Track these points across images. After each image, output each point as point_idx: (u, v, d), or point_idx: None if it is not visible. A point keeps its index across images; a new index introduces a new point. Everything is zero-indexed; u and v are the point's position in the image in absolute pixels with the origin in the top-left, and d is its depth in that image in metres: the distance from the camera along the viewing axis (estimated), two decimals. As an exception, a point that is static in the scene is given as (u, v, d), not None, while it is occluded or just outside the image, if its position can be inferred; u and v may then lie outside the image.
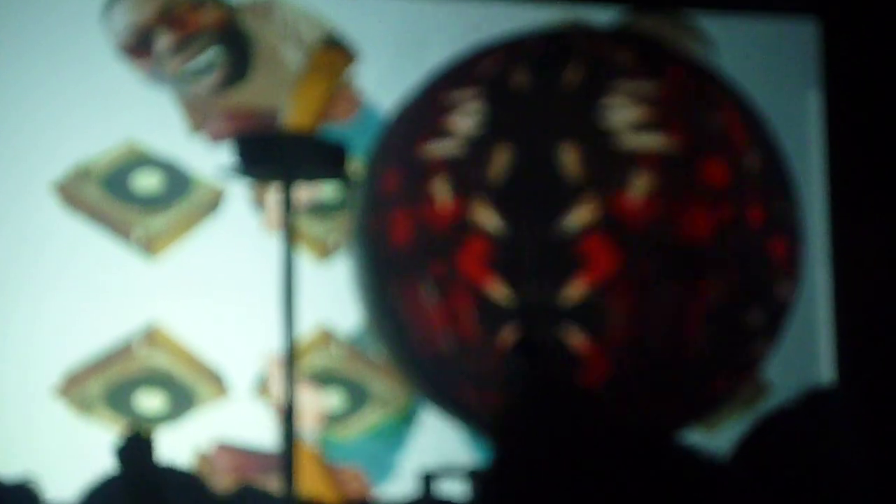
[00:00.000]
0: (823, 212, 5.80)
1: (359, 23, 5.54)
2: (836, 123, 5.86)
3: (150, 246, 5.27)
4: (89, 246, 5.18)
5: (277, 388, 4.74)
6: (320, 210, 5.42)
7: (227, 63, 5.39)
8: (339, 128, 5.38)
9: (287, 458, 4.13)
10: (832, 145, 5.86)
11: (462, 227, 4.01)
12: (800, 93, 5.92)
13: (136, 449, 2.94)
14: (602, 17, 5.59)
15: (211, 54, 5.36)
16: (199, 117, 5.33)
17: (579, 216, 3.89)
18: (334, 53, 5.51)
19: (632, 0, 5.74)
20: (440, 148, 4.05)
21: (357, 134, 5.14)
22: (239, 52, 5.41)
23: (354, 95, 5.51)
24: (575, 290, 3.87)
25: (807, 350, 5.70)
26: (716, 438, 5.07)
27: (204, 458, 5.23)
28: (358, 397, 5.42)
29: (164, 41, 5.33)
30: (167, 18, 5.33)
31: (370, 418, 5.43)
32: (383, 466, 5.39)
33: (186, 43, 5.37)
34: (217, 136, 5.26)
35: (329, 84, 5.49)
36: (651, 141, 3.94)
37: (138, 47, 5.30)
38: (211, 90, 5.37)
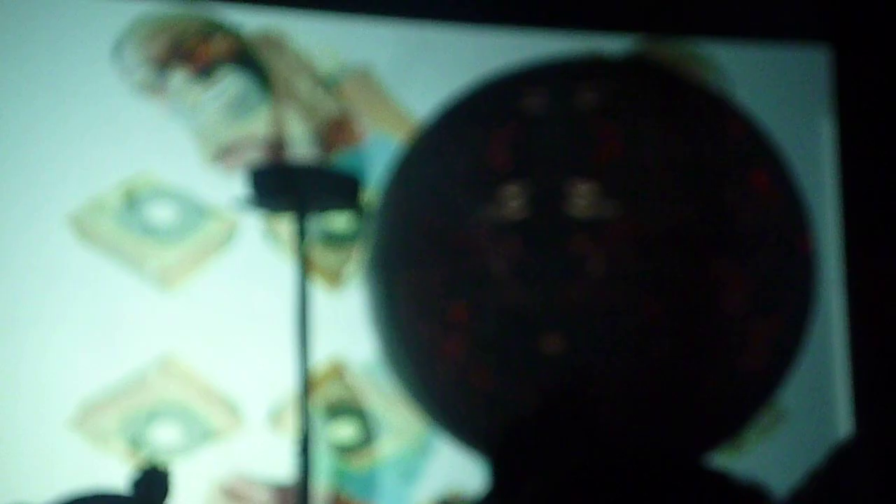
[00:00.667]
0: (837, 239, 5.79)
1: (369, 50, 5.56)
2: (849, 151, 5.86)
3: (164, 278, 5.28)
4: (103, 278, 5.19)
5: (292, 419, 4.74)
6: (334, 240, 5.43)
7: (242, 93, 5.41)
8: (349, 154, 5.39)
9: (303, 489, 4.13)
10: (845, 173, 5.86)
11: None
12: (813, 121, 5.92)
13: (152, 482, 2.95)
14: (614, 46, 5.60)
15: (227, 84, 5.38)
16: (216, 149, 5.35)
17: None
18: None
19: (643, 29, 5.74)
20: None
21: (367, 160, 5.15)
22: (253, 83, 5.43)
23: (365, 123, 5.53)
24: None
25: (823, 376, 5.69)
26: (737, 465, 5.05)
27: (220, 490, 5.23)
28: (372, 428, 5.41)
29: (179, 75, 5.35)
30: (179, 52, 5.35)
31: (385, 449, 5.43)
32: (398, 498, 5.38)
33: (201, 75, 5.39)
34: (233, 168, 5.28)
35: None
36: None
37: (154, 84, 5.32)
38: (226, 120, 5.39)
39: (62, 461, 5.06)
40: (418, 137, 4.46)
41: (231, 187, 5.02)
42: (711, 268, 3.81)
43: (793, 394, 4.69)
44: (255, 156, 5.31)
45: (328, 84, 5.51)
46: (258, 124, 5.42)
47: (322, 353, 5.24)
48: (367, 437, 5.41)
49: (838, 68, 5.95)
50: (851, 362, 5.76)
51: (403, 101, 5.51)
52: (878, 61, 5.80)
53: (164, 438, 5.21)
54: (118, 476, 4.01)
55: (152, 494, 2.95)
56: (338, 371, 5.40)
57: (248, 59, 5.46)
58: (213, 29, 5.40)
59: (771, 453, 4.90)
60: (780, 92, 5.85)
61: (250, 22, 5.46)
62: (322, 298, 5.27)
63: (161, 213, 5.30)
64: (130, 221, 5.26)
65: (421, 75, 5.54)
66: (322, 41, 5.52)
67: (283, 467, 5.19)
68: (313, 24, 5.51)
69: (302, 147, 5.38)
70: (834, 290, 5.72)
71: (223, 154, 5.34)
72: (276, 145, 5.38)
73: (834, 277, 5.71)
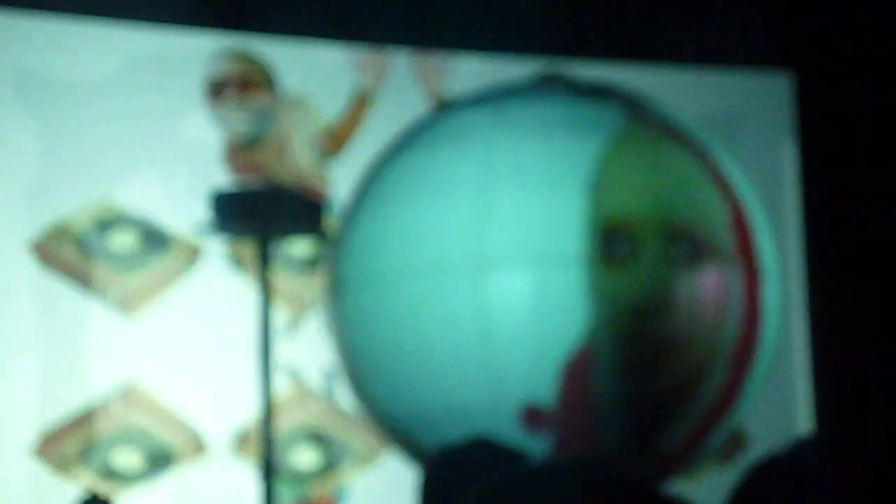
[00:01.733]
0: (800, 262, 5.81)
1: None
2: (810, 177, 5.88)
3: (126, 304, 5.26)
4: (66, 304, 5.17)
5: (256, 445, 4.73)
6: (297, 266, 5.42)
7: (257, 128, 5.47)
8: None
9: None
10: (807, 199, 5.88)
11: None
12: (775, 146, 5.94)
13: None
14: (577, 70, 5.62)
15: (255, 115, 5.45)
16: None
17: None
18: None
19: (603, 55, 5.77)
20: None
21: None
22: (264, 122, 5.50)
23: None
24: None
25: (785, 401, 5.70)
26: (697, 490, 5.05)
27: (182, 517, 5.20)
28: (336, 454, 5.40)
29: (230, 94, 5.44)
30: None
31: (349, 474, 5.41)
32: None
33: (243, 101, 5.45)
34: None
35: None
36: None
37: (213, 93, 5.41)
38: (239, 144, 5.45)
39: (23, 489, 5.03)
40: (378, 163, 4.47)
41: (194, 213, 5.00)
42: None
43: (754, 418, 4.71)
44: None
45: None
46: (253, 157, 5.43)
47: (286, 379, 5.23)
48: (329, 463, 5.40)
49: (800, 94, 5.98)
50: (814, 385, 5.78)
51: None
52: (840, 87, 5.83)
53: (125, 465, 5.18)
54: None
55: None
56: (301, 397, 5.39)
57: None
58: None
59: (731, 480, 4.89)
60: (743, 118, 5.87)
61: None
62: (285, 323, 5.26)
63: (123, 240, 5.28)
64: (93, 248, 5.24)
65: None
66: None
67: (246, 494, 5.17)
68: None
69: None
70: (796, 313, 5.74)
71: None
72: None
73: (796, 300, 5.73)
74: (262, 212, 4.22)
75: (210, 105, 5.42)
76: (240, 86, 5.46)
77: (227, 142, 5.42)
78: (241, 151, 5.42)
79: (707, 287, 3.94)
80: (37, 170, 5.20)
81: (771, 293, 4.10)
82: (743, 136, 5.71)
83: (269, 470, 4.14)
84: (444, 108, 4.62)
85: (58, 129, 5.25)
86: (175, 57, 5.40)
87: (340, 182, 5.34)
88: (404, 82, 5.63)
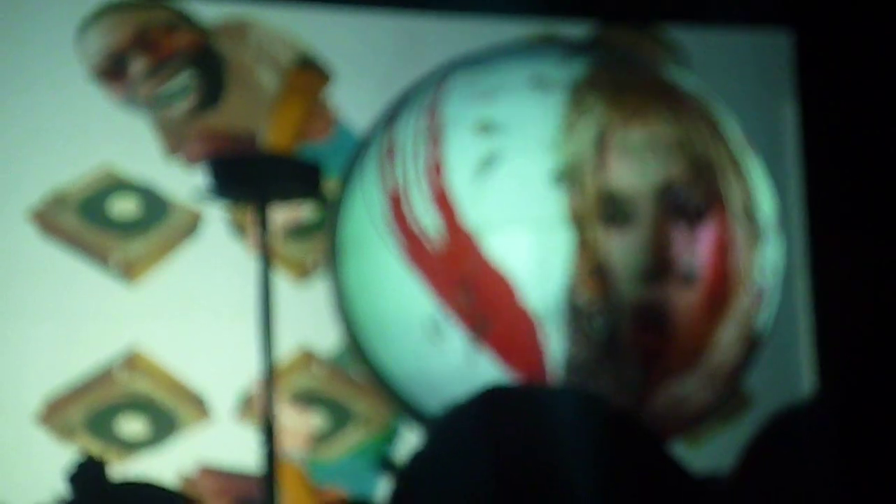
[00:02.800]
0: (801, 224, 5.81)
1: (333, 40, 5.55)
2: (811, 136, 5.87)
3: (128, 271, 5.26)
4: (67, 272, 5.17)
5: (259, 409, 4.73)
6: (298, 231, 5.42)
7: (202, 87, 5.39)
8: (315, 147, 5.39)
9: (269, 479, 4.12)
10: (808, 158, 5.87)
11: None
12: (775, 106, 5.93)
13: (88, 474, 2.92)
14: (573, 31, 5.60)
15: (185, 78, 5.36)
16: (175, 141, 5.33)
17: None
18: (310, 74, 5.52)
19: (603, 14, 5.75)
20: None
21: (333, 153, 5.14)
22: (213, 76, 5.42)
23: (330, 114, 5.52)
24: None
25: (788, 360, 5.70)
26: (699, 453, 5.06)
27: (188, 482, 5.22)
28: (340, 417, 5.41)
29: (138, 65, 5.34)
30: (141, 42, 5.33)
31: (353, 438, 5.42)
32: (366, 486, 5.38)
33: (161, 67, 5.37)
34: (194, 160, 5.27)
35: (306, 105, 5.49)
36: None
37: (113, 71, 5.31)
38: (186, 114, 5.37)
39: (27, 456, 5.04)
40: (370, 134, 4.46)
41: (193, 178, 5.00)
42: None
43: (757, 378, 4.71)
44: (218, 147, 5.30)
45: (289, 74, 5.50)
46: (220, 116, 5.40)
47: (289, 343, 5.24)
48: (336, 425, 5.41)
49: (800, 53, 5.96)
50: (817, 343, 5.78)
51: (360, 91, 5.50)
52: (840, 46, 5.81)
53: (130, 431, 5.19)
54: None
55: (89, 488, 2.92)
56: (305, 360, 5.40)
57: (210, 51, 5.44)
58: (179, 21, 5.38)
59: (737, 439, 4.90)
60: (743, 76, 5.86)
61: (215, 13, 5.44)
62: (288, 289, 5.27)
63: (124, 206, 5.28)
64: (93, 214, 5.24)
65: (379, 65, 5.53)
66: (286, 29, 5.51)
67: (250, 457, 5.19)
68: (277, 12, 5.50)
69: (264, 139, 5.37)
70: (799, 275, 5.74)
71: (184, 146, 5.33)
72: (238, 138, 5.36)
73: (798, 262, 5.73)
74: (261, 177, 4.21)
75: (113, 88, 5.30)
76: (143, 47, 5.33)
77: (160, 126, 5.31)
78: (184, 128, 5.32)
79: (704, 246, 3.94)
80: (35, 137, 5.20)
81: (769, 252, 4.11)
82: (743, 96, 5.70)
83: (271, 434, 4.15)
84: (443, 70, 4.61)
85: (57, 95, 5.24)
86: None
87: (340, 149, 5.33)
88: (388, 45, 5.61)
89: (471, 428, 1.34)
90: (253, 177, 4.18)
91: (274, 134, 5.40)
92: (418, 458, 1.37)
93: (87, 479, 2.93)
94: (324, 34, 5.55)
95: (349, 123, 5.47)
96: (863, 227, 5.66)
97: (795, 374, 5.75)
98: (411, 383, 4.25)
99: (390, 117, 4.47)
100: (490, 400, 1.37)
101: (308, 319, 5.25)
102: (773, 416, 1.90)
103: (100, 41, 5.29)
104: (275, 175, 4.20)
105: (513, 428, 1.32)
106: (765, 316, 4.06)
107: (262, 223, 4.22)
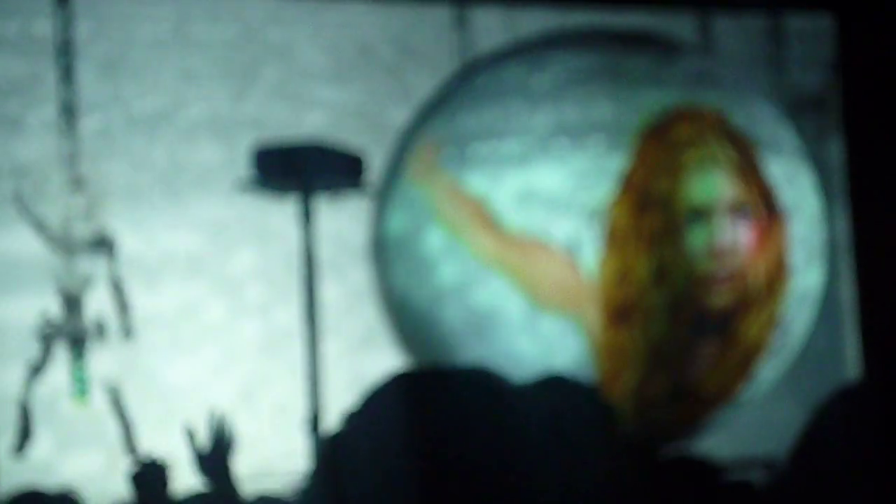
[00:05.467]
0: (845, 203, 5.80)
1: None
2: (854, 117, 5.85)
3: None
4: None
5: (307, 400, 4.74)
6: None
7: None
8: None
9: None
10: (851, 138, 5.86)
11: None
12: (818, 88, 5.92)
13: (152, 476, 2.94)
14: (617, 20, 5.58)
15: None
16: None
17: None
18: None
19: (649, 1, 5.73)
20: None
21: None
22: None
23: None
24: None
25: (834, 339, 5.71)
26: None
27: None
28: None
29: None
30: None
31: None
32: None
33: None
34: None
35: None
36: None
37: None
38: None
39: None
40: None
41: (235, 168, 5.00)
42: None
43: (803, 360, 4.70)
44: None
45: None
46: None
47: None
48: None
49: (843, 34, 5.95)
50: (861, 325, 5.79)
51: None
52: (882, 28, 5.80)
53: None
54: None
55: (152, 488, 2.94)
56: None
57: None
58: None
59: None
60: (786, 60, 5.85)
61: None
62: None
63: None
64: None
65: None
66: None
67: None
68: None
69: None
70: (843, 252, 5.75)
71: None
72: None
73: (843, 232, 5.74)
74: (305, 167, 4.20)
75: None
76: None
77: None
78: None
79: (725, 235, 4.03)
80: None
81: (799, 231, 4.16)
82: (786, 79, 5.68)
83: (317, 421, 4.17)
84: (478, 63, 4.62)
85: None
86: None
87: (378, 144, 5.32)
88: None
89: (388, 409, 1.36)
90: (297, 167, 4.17)
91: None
92: (342, 435, 1.38)
93: (149, 481, 2.96)
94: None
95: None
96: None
97: (841, 354, 5.76)
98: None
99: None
100: (402, 384, 1.38)
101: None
102: (821, 406, 1.88)
103: None
104: (319, 165, 4.20)
105: (427, 410, 1.34)
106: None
107: (306, 213, 4.22)
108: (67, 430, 5.01)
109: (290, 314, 4.81)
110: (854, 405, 1.79)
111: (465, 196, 4.17)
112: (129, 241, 5.06)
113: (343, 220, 4.99)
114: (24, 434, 4.85)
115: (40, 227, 4.91)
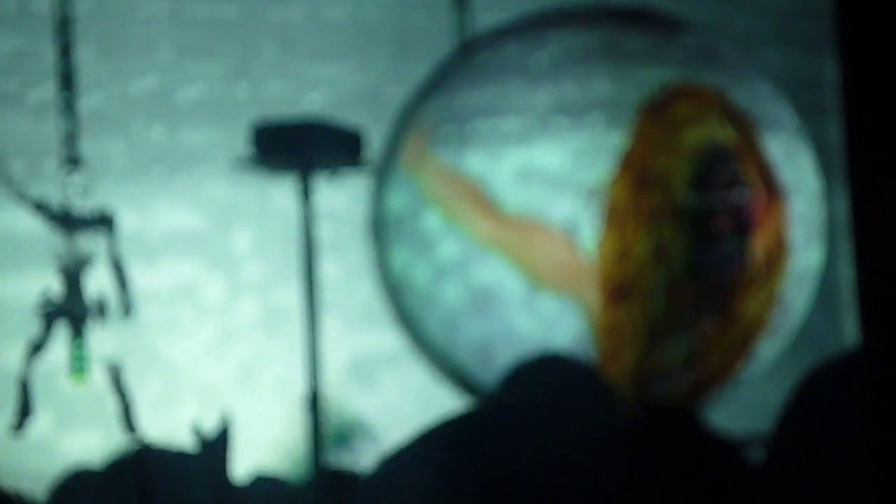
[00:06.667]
0: (844, 182, 5.79)
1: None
2: (853, 95, 5.84)
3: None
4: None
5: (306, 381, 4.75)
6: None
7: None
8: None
9: (314, 448, 4.14)
10: (850, 117, 5.85)
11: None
12: (817, 60, 5.90)
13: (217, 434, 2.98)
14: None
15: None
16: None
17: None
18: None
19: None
20: None
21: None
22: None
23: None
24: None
25: (831, 320, 5.70)
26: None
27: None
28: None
29: None
30: None
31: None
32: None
33: None
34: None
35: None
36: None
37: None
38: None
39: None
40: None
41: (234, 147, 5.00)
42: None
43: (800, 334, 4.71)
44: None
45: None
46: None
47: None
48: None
49: (841, 10, 5.93)
50: (860, 297, 5.78)
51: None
52: (882, 7, 5.77)
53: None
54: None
55: (218, 447, 2.99)
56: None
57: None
58: None
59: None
60: (784, 30, 5.84)
61: None
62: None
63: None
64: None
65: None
66: None
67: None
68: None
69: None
70: (841, 229, 5.75)
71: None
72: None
73: (841, 211, 5.72)
74: (304, 145, 4.20)
75: None
76: None
77: None
78: None
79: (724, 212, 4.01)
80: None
81: (799, 209, 4.16)
82: (784, 50, 5.68)
83: (317, 400, 4.17)
84: (477, 41, 4.62)
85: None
86: None
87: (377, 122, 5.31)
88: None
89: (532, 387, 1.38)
90: (296, 144, 4.17)
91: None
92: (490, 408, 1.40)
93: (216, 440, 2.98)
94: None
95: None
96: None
97: (840, 324, 5.76)
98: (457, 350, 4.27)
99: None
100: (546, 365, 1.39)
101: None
102: (809, 375, 1.89)
103: None
104: (317, 142, 4.19)
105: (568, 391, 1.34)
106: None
107: (305, 191, 4.22)
108: (67, 407, 5.02)
109: (290, 292, 4.82)
110: (839, 374, 1.80)
111: (461, 178, 4.18)
112: (127, 220, 5.06)
113: (342, 199, 5.00)
114: (24, 412, 4.85)
115: (38, 206, 4.89)
